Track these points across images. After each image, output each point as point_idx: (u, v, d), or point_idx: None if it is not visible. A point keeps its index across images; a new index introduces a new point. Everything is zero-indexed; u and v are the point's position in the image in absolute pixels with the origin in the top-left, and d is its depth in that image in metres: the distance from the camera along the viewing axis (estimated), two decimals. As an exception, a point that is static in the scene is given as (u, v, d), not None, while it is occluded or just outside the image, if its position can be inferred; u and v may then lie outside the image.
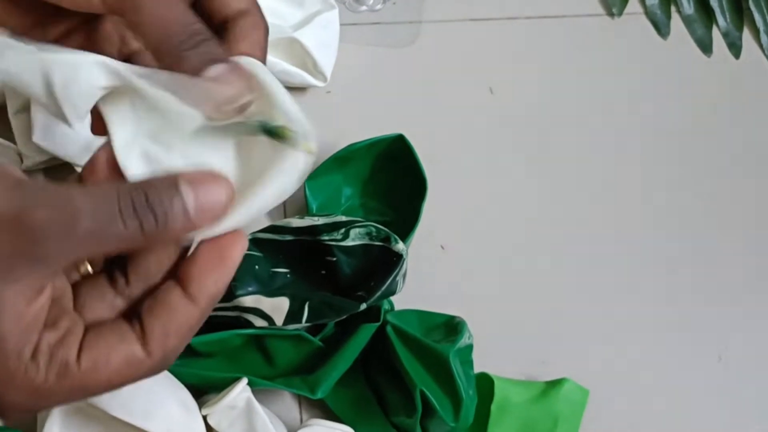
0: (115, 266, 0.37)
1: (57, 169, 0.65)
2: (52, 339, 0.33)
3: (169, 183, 0.33)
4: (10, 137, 0.62)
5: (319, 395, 0.59)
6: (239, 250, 0.36)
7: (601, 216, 0.75)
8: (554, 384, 0.64)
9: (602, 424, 0.66)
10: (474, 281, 0.70)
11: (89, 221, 0.31)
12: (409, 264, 0.63)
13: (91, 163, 0.37)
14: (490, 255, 0.71)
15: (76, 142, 0.62)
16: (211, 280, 0.35)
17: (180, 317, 0.35)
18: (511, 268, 0.71)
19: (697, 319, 0.73)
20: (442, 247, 0.71)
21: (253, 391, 0.57)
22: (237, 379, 0.57)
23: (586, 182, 0.76)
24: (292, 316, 0.58)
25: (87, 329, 0.35)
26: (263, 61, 0.40)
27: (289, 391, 0.60)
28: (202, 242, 0.35)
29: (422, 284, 0.67)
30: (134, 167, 0.36)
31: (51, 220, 0.30)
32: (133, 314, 0.36)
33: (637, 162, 0.78)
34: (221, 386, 0.58)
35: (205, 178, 0.34)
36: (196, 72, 0.36)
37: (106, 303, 0.36)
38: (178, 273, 0.36)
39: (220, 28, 0.40)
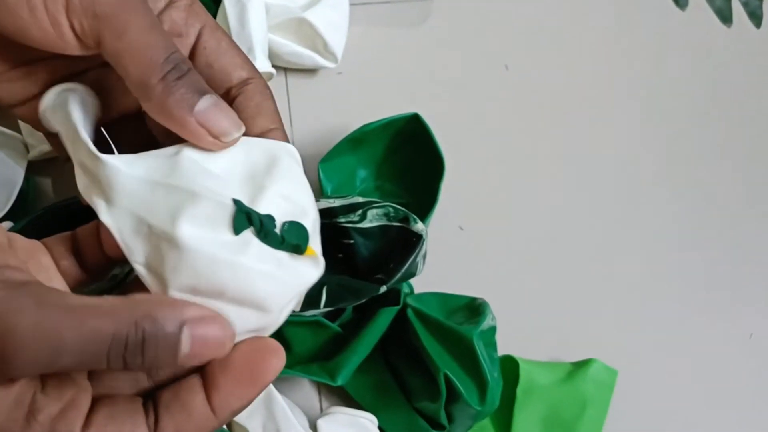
0: None
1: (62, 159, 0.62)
2: (54, 410, 0.31)
3: (175, 322, 0.31)
4: (16, 127, 0.61)
5: (339, 382, 0.57)
6: (274, 368, 0.34)
7: (624, 192, 0.73)
8: (581, 365, 0.62)
9: (632, 405, 0.64)
10: (494, 261, 0.68)
11: (71, 359, 0.29)
12: (430, 246, 0.61)
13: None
14: (510, 234, 0.69)
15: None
16: (237, 396, 0.33)
17: (196, 424, 0.33)
18: (531, 247, 0.69)
19: (727, 296, 0.71)
20: (461, 228, 0.69)
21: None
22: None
23: (607, 159, 0.74)
24: (310, 301, 0.56)
25: (99, 402, 0.33)
26: (283, 129, 0.40)
27: (308, 378, 0.58)
28: (239, 345, 0.33)
29: (441, 266, 0.65)
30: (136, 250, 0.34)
31: (29, 348, 0.28)
32: (150, 399, 0.34)
33: (659, 137, 0.76)
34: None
35: (207, 320, 0.32)
36: (185, 103, 0.34)
37: (130, 376, 0.35)
38: (206, 369, 0.34)
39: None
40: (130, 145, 0.40)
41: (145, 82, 0.34)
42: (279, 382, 0.58)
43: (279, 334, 0.59)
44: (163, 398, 0.33)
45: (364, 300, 0.57)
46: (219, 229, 0.33)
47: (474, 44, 0.76)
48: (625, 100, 0.77)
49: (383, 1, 0.76)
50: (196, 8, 0.40)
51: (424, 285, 0.64)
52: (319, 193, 0.66)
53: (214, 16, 0.67)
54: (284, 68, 0.71)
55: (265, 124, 0.39)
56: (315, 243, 0.37)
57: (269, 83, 0.60)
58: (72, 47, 0.35)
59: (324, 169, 0.65)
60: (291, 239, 0.35)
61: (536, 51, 0.77)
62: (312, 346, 0.60)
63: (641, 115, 0.76)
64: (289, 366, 0.59)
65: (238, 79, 0.40)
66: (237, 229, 0.33)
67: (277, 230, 0.35)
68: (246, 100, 0.39)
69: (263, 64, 0.66)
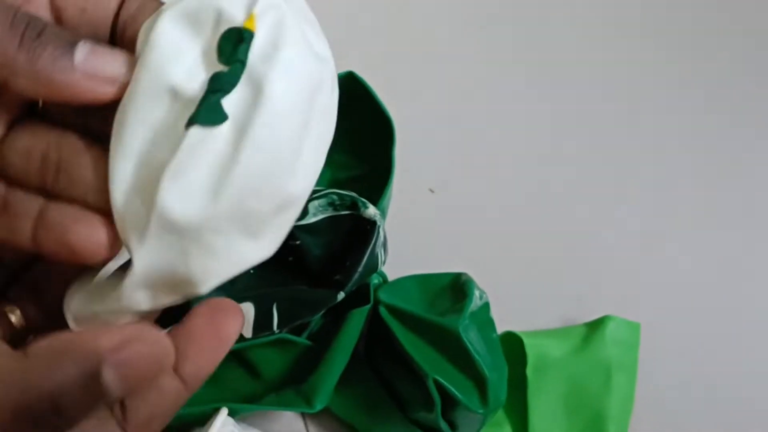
0: None
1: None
2: None
3: (87, 373, 0.26)
4: None
5: (317, 407, 0.50)
6: (237, 326, 0.31)
7: (613, 120, 0.64)
8: (596, 325, 0.55)
9: (662, 357, 0.56)
10: (475, 223, 0.60)
11: None
12: (396, 218, 0.54)
13: None
14: (488, 188, 0.61)
15: None
16: (206, 362, 0.30)
17: (169, 399, 0.30)
18: (515, 200, 0.60)
19: (747, 233, 0.62)
20: (432, 191, 0.60)
21: (247, 416, 0.51)
22: (215, 411, 0.48)
23: (592, 82, 0.64)
24: (260, 324, 0.49)
25: None
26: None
27: (282, 410, 0.50)
28: (194, 314, 0.30)
29: (416, 240, 0.57)
30: None
31: None
32: None
33: (650, 57, 0.66)
34: (201, 420, 0.49)
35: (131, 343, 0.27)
36: (61, 60, 0.28)
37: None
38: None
39: None
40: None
41: (2, 57, 0.28)
42: (256, 416, 0.51)
43: (245, 361, 0.52)
44: None
45: (322, 312, 0.48)
46: None
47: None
48: (593, 20, 0.66)
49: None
50: None
51: (397, 265, 0.56)
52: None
53: None
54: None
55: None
56: None
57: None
58: None
59: (258, 158, 0.56)
60: None
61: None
62: (281, 367, 0.53)
63: (627, 30, 0.66)
64: (260, 395, 0.52)
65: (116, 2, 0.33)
66: None
67: None
68: (128, 7, 0.32)
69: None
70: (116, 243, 0.30)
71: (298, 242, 0.50)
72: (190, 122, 0.26)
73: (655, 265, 0.59)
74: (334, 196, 0.50)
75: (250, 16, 0.27)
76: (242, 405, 0.50)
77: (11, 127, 0.33)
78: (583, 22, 0.65)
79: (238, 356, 0.52)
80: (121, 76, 0.29)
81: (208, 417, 0.49)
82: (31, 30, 0.28)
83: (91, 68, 0.28)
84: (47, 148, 0.31)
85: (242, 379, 0.53)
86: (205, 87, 0.27)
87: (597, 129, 0.62)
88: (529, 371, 0.53)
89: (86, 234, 0.30)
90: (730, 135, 0.64)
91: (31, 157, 0.31)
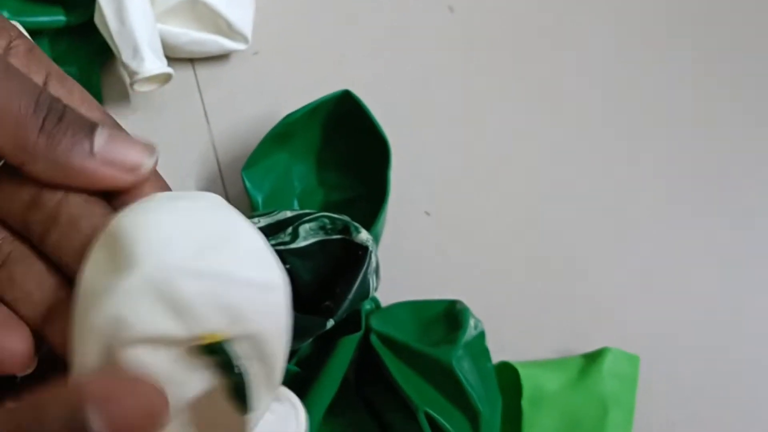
0: None
1: None
2: None
3: (71, 409, 0.25)
4: None
5: None
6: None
7: (615, 150, 0.62)
8: (594, 357, 0.53)
9: (661, 392, 0.54)
10: (471, 249, 0.58)
11: None
12: (391, 241, 0.52)
13: None
14: (486, 214, 0.59)
15: None
16: None
17: None
18: (513, 226, 0.58)
19: (752, 252, 0.60)
20: (428, 213, 0.58)
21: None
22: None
23: (594, 108, 0.62)
24: None
25: None
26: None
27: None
28: None
29: (410, 265, 0.55)
30: None
31: None
32: None
33: (641, 77, 0.64)
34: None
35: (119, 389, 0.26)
36: (80, 147, 0.28)
37: None
38: None
39: None
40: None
41: (23, 142, 0.28)
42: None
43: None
44: None
45: (311, 339, 0.47)
46: None
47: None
48: (597, 32, 0.64)
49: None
50: (37, 54, 0.33)
51: (391, 290, 0.54)
52: (248, 206, 0.55)
53: (92, 16, 0.55)
54: (189, 60, 0.60)
55: None
56: None
57: (171, 84, 0.53)
58: None
59: (250, 176, 0.54)
60: None
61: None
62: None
63: (619, 49, 0.64)
64: None
65: None
66: None
67: None
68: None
69: (154, 65, 0.54)
70: (34, 359, 0.29)
71: (287, 266, 0.49)
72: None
73: (655, 297, 0.57)
74: (326, 220, 0.48)
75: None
76: None
77: None
78: (584, 47, 0.64)
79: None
80: (139, 165, 0.29)
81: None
82: (52, 115, 0.28)
83: (109, 155, 0.28)
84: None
85: (228, 405, 0.52)
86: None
87: (598, 158, 0.60)
88: (524, 403, 0.51)
89: (8, 342, 0.29)
90: (736, 170, 0.63)
91: None
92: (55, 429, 0.24)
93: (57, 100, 0.29)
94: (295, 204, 0.56)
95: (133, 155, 0.29)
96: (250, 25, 0.59)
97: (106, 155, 0.28)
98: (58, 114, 0.28)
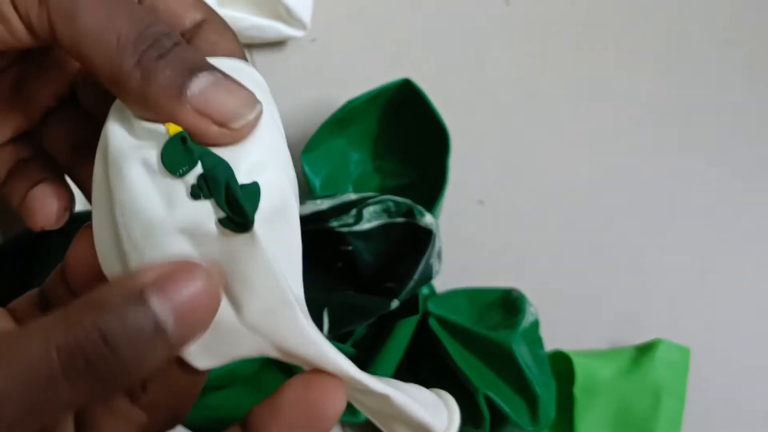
0: None
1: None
2: None
3: (131, 297, 0.24)
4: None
5: (361, 416, 0.48)
6: (335, 407, 0.27)
7: (669, 140, 0.62)
8: (646, 348, 0.54)
9: (711, 385, 0.54)
10: (525, 238, 0.58)
11: (14, 408, 0.23)
12: (445, 228, 0.52)
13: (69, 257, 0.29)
14: (540, 202, 0.59)
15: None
16: None
17: None
18: (566, 216, 0.58)
19: None
20: (481, 202, 0.58)
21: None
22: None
23: (649, 101, 0.62)
24: None
25: None
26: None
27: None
28: (286, 386, 0.27)
29: (464, 252, 0.56)
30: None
31: None
32: None
33: (702, 72, 0.64)
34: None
35: (176, 273, 0.25)
36: (173, 89, 0.26)
37: (119, 416, 0.28)
38: (250, 417, 0.27)
39: None
40: (64, 141, 0.34)
41: (117, 70, 0.26)
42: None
43: (284, 366, 0.51)
44: None
45: (373, 319, 0.47)
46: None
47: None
48: (656, 25, 0.65)
49: (351, -54, 0.64)
50: None
51: (446, 279, 0.54)
52: (306, 190, 0.56)
53: None
54: (247, 45, 0.61)
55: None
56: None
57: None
58: (24, 40, 0.28)
59: (308, 161, 0.55)
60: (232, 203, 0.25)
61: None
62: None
63: (678, 41, 0.65)
64: None
65: (191, 22, 0.31)
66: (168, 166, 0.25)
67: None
68: (199, 42, 0.30)
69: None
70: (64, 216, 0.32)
71: (350, 248, 0.49)
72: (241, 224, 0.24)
73: (708, 290, 0.58)
74: (390, 203, 0.49)
75: (165, 125, 0.25)
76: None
77: (48, 115, 0.33)
78: (640, 40, 0.64)
79: (279, 362, 0.51)
80: (234, 118, 0.26)
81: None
82: (154, 49, 0.26)
83: (203, 105, 0.26)
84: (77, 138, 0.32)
85: (281, 383, 0.52)
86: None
87: (652, 147, 0.61)
88: (576, 391, 0.51)
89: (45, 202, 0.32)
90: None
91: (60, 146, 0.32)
92: (117, 322, 0.23)
93: (168, 36, 0.27)
94: (350, 189, 0.57)
95: (230, 107, 0.26)
96: (309, 12, 0.60)
97: (199, 103, 0.26)
98: (161, 50, 0.26)
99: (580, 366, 0.52)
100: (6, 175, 0.34)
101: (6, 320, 0.30)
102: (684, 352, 0.53)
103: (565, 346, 0.53)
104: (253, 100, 0.26)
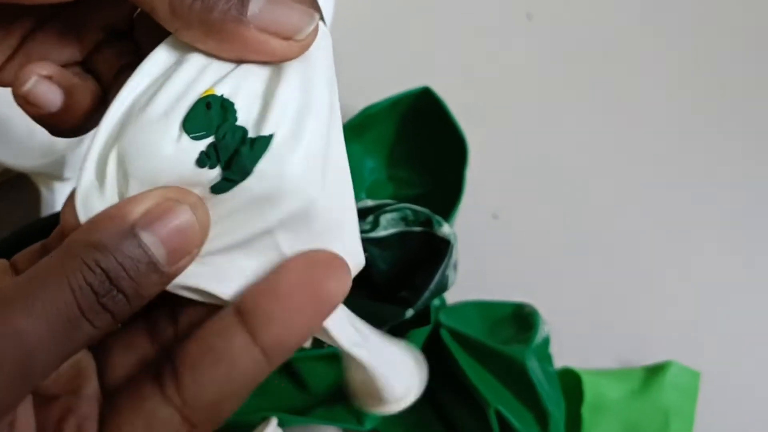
0: None
1: (12, 182, 0.55)
2: None
3: (124, 235, 0.25)
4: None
5: (368, 426, 0.48)
6: (337, 286, 0.27)
7: (684, 161, 0.62)
8: (657, 369, 0.54)
9: (720, 409, 0.54)
10: (538, 253, 0.58)
11: (46, 353, 0.24)
12: (458, 241, 0.52)
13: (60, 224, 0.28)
14: (554, 219, 0.59)
15: (31, 149, 0.53)
16: (295, 327, 0.26)
17: (243, 373, 0.26)
18: (582, 233, 0.58)
19: None
20: (495, 217, 0.58)
21: (291, 429, 0.49)
22: (264, 420, 0.47)
23: (664, 115, 0.62)
24: None
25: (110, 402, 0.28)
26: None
27: (331, 426, 0.48)
28: (285, 268, 0.26)
29: (476, 265, 0.56)
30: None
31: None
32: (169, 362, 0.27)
33: (719, 85, 0.64)
34: (247, 429, 0.47)
35: (162, 208, 0.26)
36: (234, 12, 0.26)
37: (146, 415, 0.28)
38: (246, 300, 0.26)
39: None
40: (112, 67, 0.34)
41: (177, 6, 0.27)
42: (298, 429, 0.49)
43: (293, 372, 0.50)
44: (188, 353, 0.26)
45: (387, 327, 0.47)
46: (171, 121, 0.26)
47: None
48: (675, 43, 0.65)
49: (374, -47, 0.65)
50: None
51: (458, 291, 0.54)
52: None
53: None
54: (265, 47, 0.60)
55: None
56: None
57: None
58: None
59: (324, 165, 0.54)
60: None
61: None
62: (332, 382, 0.51)
63: (699, 57, 0.64)
64: (307, 408, 0.51)
65: None
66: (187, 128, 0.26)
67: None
68: None
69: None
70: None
71: (365, 255, 0.49)
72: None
73: (720, 315, 0.57)
74: (408, 211, 0.48)
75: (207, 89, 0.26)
76: (291, 416, 0.49)
77: (101, 45, 0.33)
78: (660, 56, 0.64)
79: (286, 366, 0.51)
80: (297, 30, 0.27)
81: (253, 427, 0.47)
82: None
83: (265, 22, 0.26)
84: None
85: (289, 391, 0.51)
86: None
87: (667, 167, 0.61)
88: (585, 410, 0.51)
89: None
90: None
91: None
92: (116, 260, 0.25)
93: None
94: (363, 196, 0.57)
95: (291, 20, 0.27)
96: (330, 16, 0.60)
97: (261, 21, 0.27)
98: None
99: (589, 385, 0.52)
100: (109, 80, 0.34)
101: (7, 273, 0.31)
102: (694, 376, 0.53)
103: (575, 364, 0.53)
104: (310, 12, 0.27)
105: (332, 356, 0.49)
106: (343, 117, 0.55)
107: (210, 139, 0.25)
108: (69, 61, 0.33)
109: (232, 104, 0.26)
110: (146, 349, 0.29)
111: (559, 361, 0.52)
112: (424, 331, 0.50)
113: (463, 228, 0.56)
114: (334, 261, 0.27)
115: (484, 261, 0.57)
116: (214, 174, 0.25)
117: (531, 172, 0.60)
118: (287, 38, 0.26)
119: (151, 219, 0.25)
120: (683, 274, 0.58)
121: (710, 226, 0.60)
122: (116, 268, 0.25)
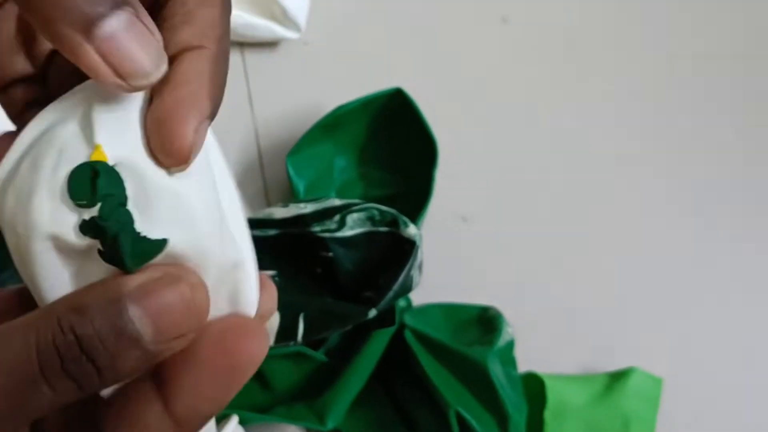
0: None
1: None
2: None
3: (109, 304, 0.23)
4: None
5: (330, 425, 0.48)
6: (254, 353, 0.24)
7: (652, 159, 0.62)
8: (619, 376, 0.54)
9: (681, 417, 0.54)
10: (506, 258, 0.58)
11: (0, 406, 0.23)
12: (427, 243, 0.52)
13: None
14: (522, 224, 0.59)
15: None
16: (207, 395, 0.24)
17: None
18: (549, 238, 0.58)
19: None
20: (464, 219, 0.58)
21: (252, 426, 0.48)
22: (225, 418, 0.46)
23: (631, 120, 0.62)
24: (285, 333, 0.47)
25: None
26: (219, 49, 0.26)
27: (292, 424, 0.48)
28: (201, 332, 0.25)
29: (444, 268, 0.55)
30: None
31: None
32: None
33: (691, 95, 0.64)
34: (208, 426, 0.46)
35: (157, 282, 0.24)
36: (80, 22, 0.22)
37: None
38: (161, 367, 0.25)
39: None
40: (67, 84, 0.29)
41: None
42: (259, 429, 0.48)
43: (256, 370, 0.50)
44: (108, 418, 0.25)
45: (350, 327, 0.47)
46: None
47: (462, -4, 0.65)
48: (647, 49, 0.65)
49: (351, -47, 0.64)
50: None
51: (424, 293, 0.54)
52: (289, 193, 0.55)
53: None
54: (239, 43, 0.61)
55: (186, 39, 0.26)
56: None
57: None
58: None
59: (294, 163, 0.55)
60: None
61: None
62: (295, 380, 0.51)
63: (669, 64, 0.65)
64: (268, 407, 0.50)
65: None
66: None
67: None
68: (176, 6, 0.26)
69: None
70: None
71: (330, 254, 0.49)
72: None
73: (683, 322, 0.58)
74: (375, 211, 0.48)
75: (95, 147, 0.23)
76: (253, 414, 0.49)
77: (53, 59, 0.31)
78: (634, 61, 0.64)
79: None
80: (135, 76, 0.24)
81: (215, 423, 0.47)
82: None
83: (108, 47, 0.23)
84: None
85: (251, 388, 0.51)
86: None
87: (637, 172, 0.61)
88: (547, 414, 0.51)
89: None
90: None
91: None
92: (92, 327, 0.23)
93: None
94: (333, 195, 0.57)
95: (136, 58, 0.23)
96: (305, 14, 0.60)
97: (106, 45, 0.23)
98: None
99: (552, 389, 0.52)
100: (14, 118, 0.32)
101: None
102: (656, 383, 0.53)
103: (539, 369, 0.53)
104: (161, 59, 0.24)
105: (296, 355, 0.49)
106: (315, 116, 0.56)
107: (94, 210, 0.23)
108: (22, 74, 0.32)
109: (119, 178, 0.23)
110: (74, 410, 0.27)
111: (524, 366, 0.52)
112: (388, 332, 0.49)
113: (432, 230, 0.56)
114: (251, 324, 0.26)
115: (452, 263, 0.57)
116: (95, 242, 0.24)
117: (501, 175, 0.59)
118: (123, 78, 0.24)
119: (144, 292, 0.23)
120: (648, 281, 0.58)
121: (675, 232, 0.60)
122: (91, 335, 0.23)
